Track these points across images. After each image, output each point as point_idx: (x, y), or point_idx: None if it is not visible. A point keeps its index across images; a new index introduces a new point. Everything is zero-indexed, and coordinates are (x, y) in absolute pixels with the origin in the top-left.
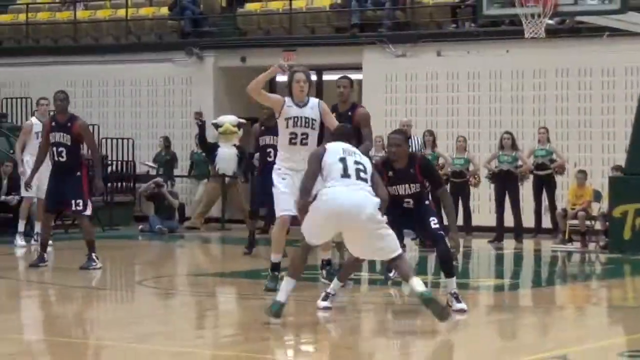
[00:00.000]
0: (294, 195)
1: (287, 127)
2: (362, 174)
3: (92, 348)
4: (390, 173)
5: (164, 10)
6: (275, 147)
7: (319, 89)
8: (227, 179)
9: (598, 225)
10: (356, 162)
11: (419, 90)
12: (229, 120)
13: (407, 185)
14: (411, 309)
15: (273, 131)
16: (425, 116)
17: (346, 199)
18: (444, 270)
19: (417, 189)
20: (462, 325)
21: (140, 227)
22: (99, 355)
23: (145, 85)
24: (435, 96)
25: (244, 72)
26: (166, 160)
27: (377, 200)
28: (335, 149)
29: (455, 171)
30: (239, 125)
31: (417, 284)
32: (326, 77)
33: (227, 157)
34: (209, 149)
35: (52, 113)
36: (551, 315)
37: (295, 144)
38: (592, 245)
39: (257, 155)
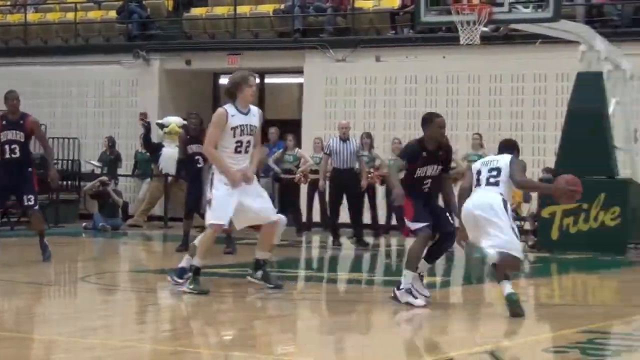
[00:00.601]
0: (235, 203)
1: (234, 136)
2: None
3: (35, 342)
4: (424, 154)
5: (112, 14)
6: (202, 155)
7: (261, 92)
8: (169, 178)
9: (527, 226)
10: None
11: (357, 93)
12: (174, 120)
13: (434, 166)
14: (347, 304)
15: (199, 140)
16: (363, 119)
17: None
18: (431, 261)
19: (439, 171)
20: (395, 321)
21: (84, 224)
22: (42, 349)
23: (93, 86)
24: (374, 100)
25: (188, 75)
26: (111, 160)
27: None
28: None
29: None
30: (183, 126)
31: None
32: (268, 80)
33: (170, 157)
34: (153, 149)
35: (1, 112)
36: (481, 311)
37: (240, 152)
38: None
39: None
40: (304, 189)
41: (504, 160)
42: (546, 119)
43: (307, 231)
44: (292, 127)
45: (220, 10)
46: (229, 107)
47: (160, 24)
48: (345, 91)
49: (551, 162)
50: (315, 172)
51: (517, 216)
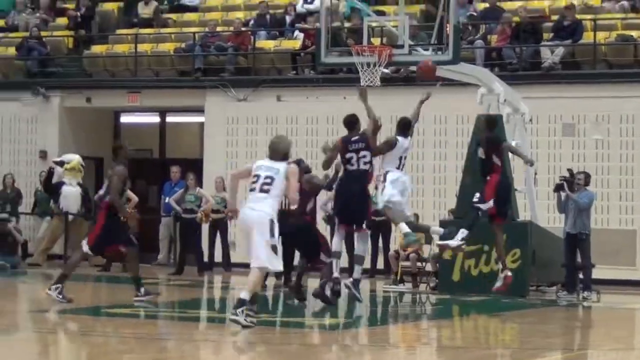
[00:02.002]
0: None
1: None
2: None
3: None
4: None
5: (12, 51)
6: None
7: (162, 131)
8: (70, 217)
9: (429, 267)
10: None
11: (259, 133)
12: (77, 158)
13: None
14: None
15: None
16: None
17: None
18: None
19: None
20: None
21: None
22: None
23: None
24: None
25: (89, 112)
26: (11, 197)
27: None
28: None
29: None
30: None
31: None
32: (169, 119)
33: (72, 195)
34: (53, 190)
35: None
36: (384, 353)
37: None
38: (423, 286)
39: None
40: (205, 228)
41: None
42: (447, 160)
43: (209, 271)
44: (193, 166)
45: (120, 48)
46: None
47: (60, 62)
48: (247, 130)
49: (452, 203)
50: (217, 211)
51: (418, 257)
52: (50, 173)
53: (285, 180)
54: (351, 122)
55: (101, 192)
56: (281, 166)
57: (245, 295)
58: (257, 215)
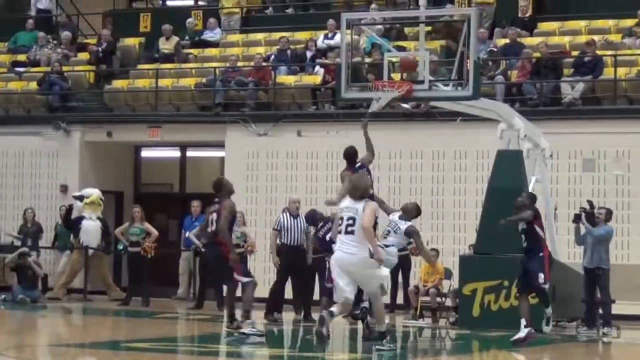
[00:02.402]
0: None
1: None
2: None
3: None
4: None
5: (33, 85)
6: None
7: (182, 166)
8: (90, 251)
9: (449, 302)
10: None
11: (279, 168)
12: (96, 192)
13: None
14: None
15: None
16: (285, 193)
17: None
18: None
19: None
20: None
21: (2, 296)
22: None
23: (13, 157)
24: (295, 174)
25: (109, 147)
26: (32, 231)
27: None
28: None
29: None
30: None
31: None
32: (190, 153)
33: (91, 229)
34: (73, 223)
35: None
36: None
37: None
38: (442, 322)
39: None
40: None
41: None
42: (466, 195)
43: None
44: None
45: (141, 83)
46: None
47: (81, 96)
48: (267, 165)
49: (472, 239)
50: (237, 245)
51: (438, 292)
52: (70, 208)
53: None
54: (351, 154)
55: (212, 227)
56: (360, 206)
57: (381, 327)
58: (348, 258)
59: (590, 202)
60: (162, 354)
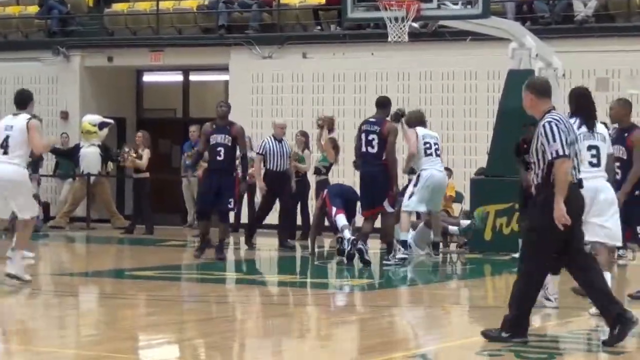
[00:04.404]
0: None
1: None
2: None
3: None
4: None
5: (31, 9)
6: (225, 146)
7: (185, 90)
8: (92, 178)
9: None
10: None
11: (285, 91)
12: (88, 119)
13: None
14: (286, 310)
15: (223, 130)
16: (291, 117)
17: None
18: None
19: None
20: (325, 324)
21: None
22: None
23: (12, 83)
24: (301, 97)
25: (110, 72)
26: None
27: None
28: None
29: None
30: (100, 125)
31: None
32: (193, 77)
33: (89, 156)
34: (71, 152)
35: None
36: (413, 314)
37: None
38: (453, 246)
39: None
40: None
41: None
42: (477, 117)
43: (235, 232)
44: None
45: (142, 6)
46: None
47: (80, 20)
48: (272, 88)
49: (483, 162)
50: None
51: (448, 216)
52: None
53: None
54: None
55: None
56: None
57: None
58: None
59: (604, 124)
60: (167, 282)
